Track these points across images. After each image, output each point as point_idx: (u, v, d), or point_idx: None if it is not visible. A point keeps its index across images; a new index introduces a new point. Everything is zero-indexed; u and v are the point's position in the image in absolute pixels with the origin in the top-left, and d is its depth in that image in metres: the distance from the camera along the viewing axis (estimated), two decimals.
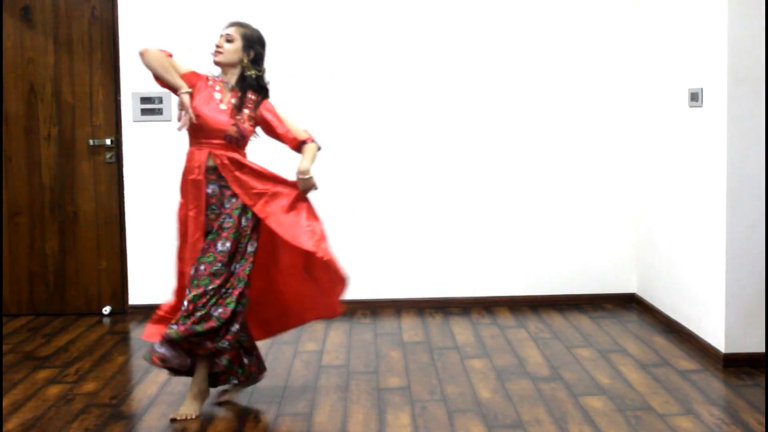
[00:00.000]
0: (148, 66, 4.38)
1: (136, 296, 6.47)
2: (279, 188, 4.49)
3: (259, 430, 4.25)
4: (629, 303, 6.58)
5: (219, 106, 4.44)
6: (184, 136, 6.34)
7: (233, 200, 4.42)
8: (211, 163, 4.42)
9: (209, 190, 4.43)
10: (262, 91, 4.55)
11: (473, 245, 6.55)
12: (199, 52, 6.39)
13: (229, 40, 4.46)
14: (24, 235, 6.44)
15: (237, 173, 4.43)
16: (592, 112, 6.51)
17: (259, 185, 4.45)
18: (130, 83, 6.37)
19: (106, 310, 6.46)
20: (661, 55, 6.02)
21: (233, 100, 4.46)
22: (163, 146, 6.42)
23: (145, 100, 6.35)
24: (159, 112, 6.37)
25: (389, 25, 6.44)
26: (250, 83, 4.49)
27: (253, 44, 4.51)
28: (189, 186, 4.46)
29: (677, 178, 5.75)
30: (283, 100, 6.37)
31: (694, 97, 5.40)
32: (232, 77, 4.50)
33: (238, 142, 4.46)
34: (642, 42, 6.37)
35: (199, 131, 4.43)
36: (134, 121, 6.39)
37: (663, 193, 6.01)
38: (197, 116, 4.38)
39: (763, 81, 4.95)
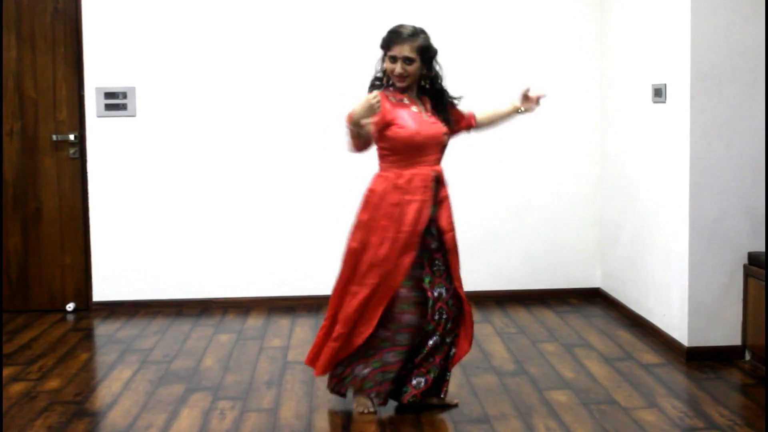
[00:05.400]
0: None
1: (100, 293, 6.42)
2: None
3: (224, 427, 4.23)
4: (594, 297, 6.62)
5: (424, 117, 4.22)
6: (149, 131, 6.35)
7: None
8: (431, 182, 4.23)
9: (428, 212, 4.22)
10: (442, 89, 4.34)
11: None
12: (163, 46, 6.38)
13: (409, 61, 4.14)
14: None
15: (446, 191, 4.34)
16: (557, 108, 6.52)
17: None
18: (93, 78, 6.31)
19: (70, 306, 6.40)
20: (625, 52, 6.06)
21: (428, 108, 4.28)
22: (128, 142, 6.37)
23: (109, 95, 6.30)
24: (123, 107, 6.31)
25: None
26: (438, 87, 4.29)
27: (430, 51, 4.21)
28: (395, 210, 4.18)
29: (641, 173, 5.79)
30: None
31: (658, 92, 5.44)
32: (413, 87, 4.27)
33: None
34: (606, 38, 6.41)
35: (413, 150, 4.18)
36: (98, 117, 6.33)
37: (627, 188, 6.05)
38: (417, 134, 4.15)
39: (725, 77, 5.00)
